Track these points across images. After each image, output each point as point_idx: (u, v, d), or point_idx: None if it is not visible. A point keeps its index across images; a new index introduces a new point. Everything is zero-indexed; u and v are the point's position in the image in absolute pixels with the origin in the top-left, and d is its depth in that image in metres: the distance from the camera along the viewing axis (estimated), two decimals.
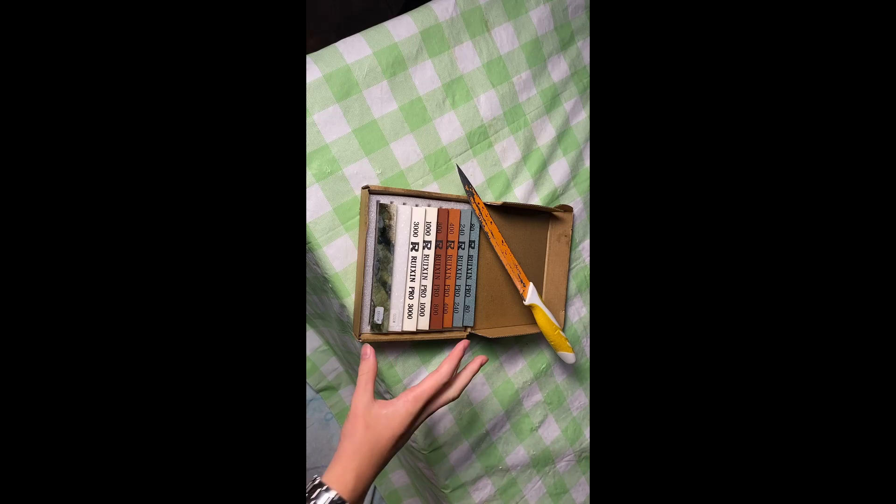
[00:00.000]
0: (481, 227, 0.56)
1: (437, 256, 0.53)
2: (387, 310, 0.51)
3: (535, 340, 0.64)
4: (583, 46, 0.64)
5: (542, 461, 0.66)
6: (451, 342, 0.57)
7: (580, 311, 0.67)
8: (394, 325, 0.52)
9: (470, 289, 0.56)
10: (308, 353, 0.83)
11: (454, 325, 0.55)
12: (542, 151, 0.62)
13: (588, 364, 0.68)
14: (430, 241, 0.53)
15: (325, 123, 0.50)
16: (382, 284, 0.51)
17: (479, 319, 0.58)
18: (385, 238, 0.50)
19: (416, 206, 0.52)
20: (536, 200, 0.62)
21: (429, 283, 0.53)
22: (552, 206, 0.63)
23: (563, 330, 0.65)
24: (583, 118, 0.65)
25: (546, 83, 0.62)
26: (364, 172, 0.52)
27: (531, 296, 0.58)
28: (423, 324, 0.53)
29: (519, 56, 0.59)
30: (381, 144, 0.53)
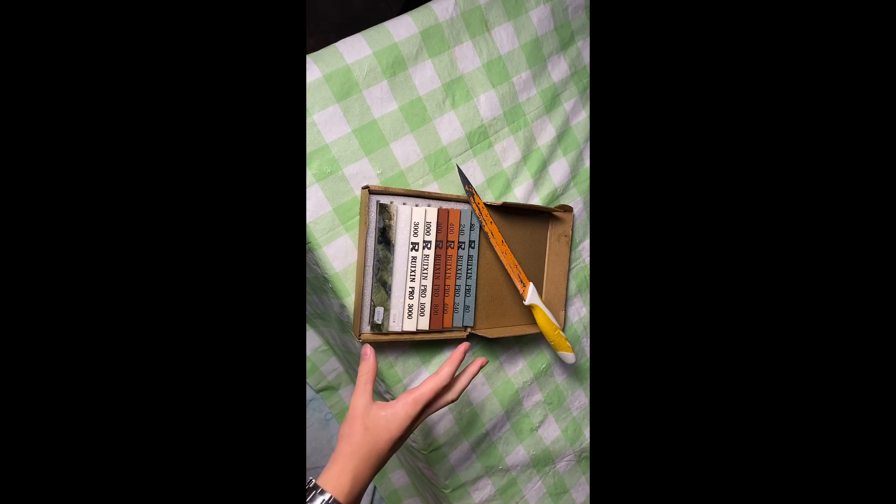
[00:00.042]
0: (481, 227, 0.56)
1: (437, 256, 0.53)
2: (387, 310, 0.51)
3: (535, 340, 0.64)
4: (583, 46, 0.64)
5: (542, 461, 0.66)
6: (451, 342, 0.57)
7: (580, 311, 0.67)
8: (394, 325, 0.52)
9: (470, 289, 0.56)
10: (308, 353, 0.83)
11: (454, 325, 0.55)
12: (542, 151, 0.62)
13: (588, 364, 0.68)
14: (430, 241, 0.53)
15: (325, 123, 0.50)
16: (382, 284, 0.51)
17: (479, 319, 0.58)
18: (385, 238, 0.50)
19: (416, 206, 0.52)
20: (536, 200, 0.62)
21: (429, 283, 0.53)
22: (552, 206, 0.63)
23: (563, 330, 0.65)
24: (583, 118, 0.65)
25: (546, 83, 0.62)
26: (364, 172, 0.52)
27: (531, 296, 0.58)
28: (423, 324, 0.53)
29: (519, 56, 0.59)
30: (381, 144, 0.53)
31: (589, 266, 0.67)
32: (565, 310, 0.65)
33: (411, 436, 0.59)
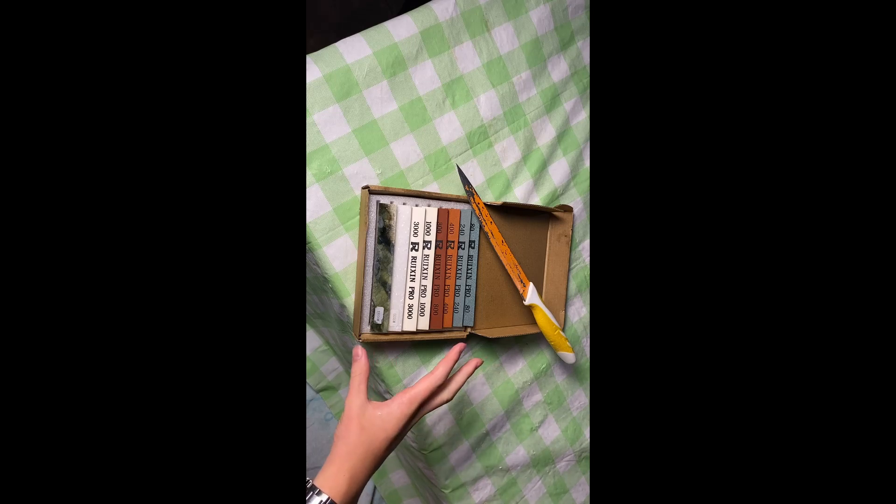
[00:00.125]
0: (481, 227, 0.56)
1: (437, 256, 0.53)
2: (387, 310, 0.51)
3: (535, 340, 0.64)
4: (583, 46, 0.64)
5: (542, 461, 0.66)
6: (451, 342, 0.57)
7: (580, 311, 0.67)
8: (394, 325, 0.52)
9: (470, 289, 0.56)
10: (308, 353, 0.83)
11: (454, 325, 0.55)
12: (542, 151, 0.62)
13: (588, 364, 0.68)
14: (430, 241, 0.53)
15: (325, 123, 0.50)
16: (382, 284, 0.51)
17: (479, 319, 0.58)
18: (385, 238, 0.50)
19: (416, 206, 0.52)
20: (536, 200, 0.62)
21: (429, 283, 0.53)
22: (552, 206, 0.63)
23: (563, 330, 0.65)
24: (583, 118, 0.65)
25: (546, 83, 0.62)
26: (364, 172, 0.52)
27: (531, 296, 0.58)
28: (423, 324, 0.53)
29: (519, 56, 0.59)
30: (381, 144, 0.53)
31: (589, 266, 0.67)
32: (565, 310, 0.65)
33: (411, 436, 0.59)
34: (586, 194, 0.66)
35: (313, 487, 0.38)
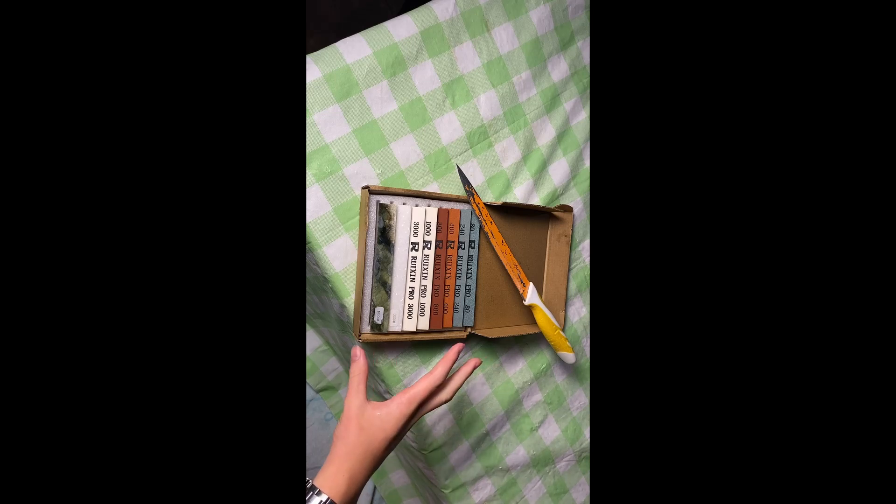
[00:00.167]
0: (481, 227, 0.56)
1: (437, 256, 0.53)
2: (387, 310, 0.51)
3: (535, 340, 0.64)
4: (583, 46, 0.64)
5: (542, 461, 0.66)
6: (451, 342, 0.57)
7: (580, 311, 0.67)
8: (394, 325, 0.52)
9: (470, 289, 0.56)
10: (308, 353, 0.83)
11: (454, 325, 0.55)
12: (542, 151, 0.62)
13: (588, 364, 0.68)
14: (430, 241, 0.53)
15: (325, 123, 0.50)
16: (382, 284, 0.51)
17: (479, 319, 0.58)
18: (385, 238, 0.50)
19: (416, 206, 0.52)
20: (536, 200, 0.62)
21: (429, 283, 0.53)
22: (552, 206, 0.63)
23: (563, 330, 0.65)
24: (583, 118, 0.65)
25: (546, 83, 0.62)
26: (364, 172, 0.52)
27: (531, 296, 0.58)
28: (423, 324, 0.53)
29: (519, 56, 0.59)
30: (381, 144, 0.53)
31: (589, 266, 0.67)
32: (565, 310, 0.65)
33: (411, 436, 0.59)
34: (586, 194, 0.66)
35: (313, 488, 0.38)
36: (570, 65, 0.63)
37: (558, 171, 0.63)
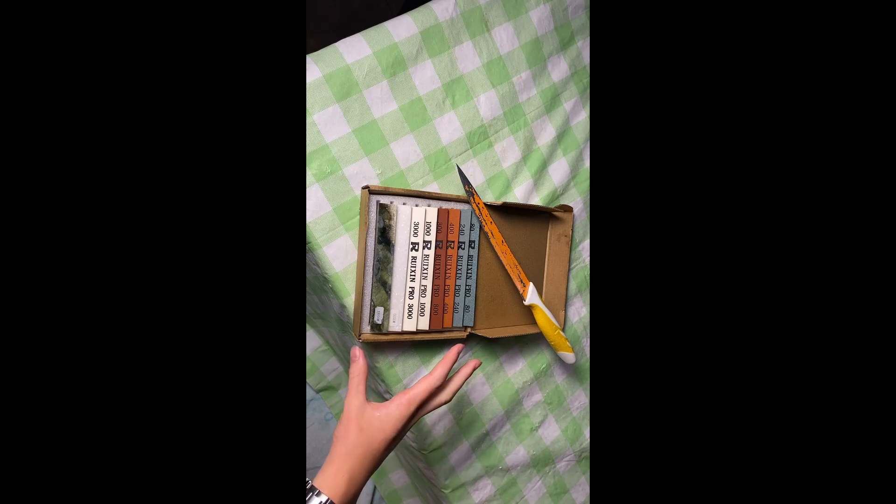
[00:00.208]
0: (481, 227, 0.56)
1: (437, 256, 0.53)
2: (387, 310, 0.51)
3: (535, 340, 0.64)
4: (583, 46, 0.64)
5: (542, 461, 0.66)
6: (451, 342, 0.57)
7: (580, 311, 0.67)
8: (394, 325, 0.52)
9: (470, 289, 0.56)
10: (308, 353, 0.83)
11: (454, 325, 0.55)
12: (542, 151, 0.62)
13: (588, 364, 0.68)
14: (430, 241, 0.53)
15: (325, 123, 0.50)
16: (382, 284, 0.51)
17: (479, 319, 0.58)
18: (385, 238, 0.50)
19: (416, 206, 0.52)
20: (536, 200, 0.62)
21: (429, 283, 0.53)
22: (552, 206, 0.63)
23: (563, 330, 0.65)
24: (583, 118, 0.65)
25: (546, 83, 0.62)
26: (364, 172, 0.52)
27: (531, 296, 0.58)
28: (423, 324, 0.53)
29: (519, 56, 0.59)
30: (381, 144, 0.53)
31: (589, 266, 0.67)
32: (565, 310, 0.65)
33: (411, 436, 0.59)
34: (586, 194, 0.66)
35: (312, 488, 0.38)
36: (570, 65, 0.63)
37: (558, 171, 0.63)
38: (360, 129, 0.51)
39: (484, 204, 0.55)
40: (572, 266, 0.66)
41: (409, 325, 0.53)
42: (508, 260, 0.57)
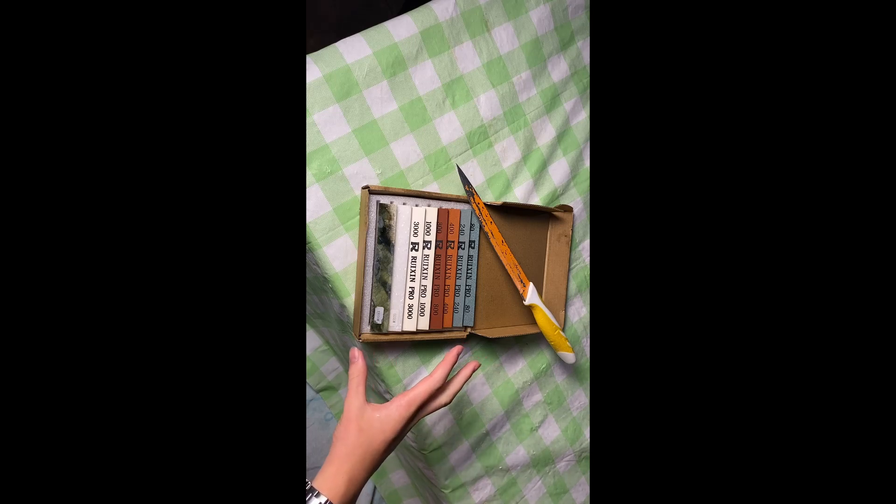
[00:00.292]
0: (481, 227, 0.56)
1: (437, 256, 0.53)
2: (387, 310, 0.51)
3: (535, 340, 0.64)
4: (583, 46, 0.64)
5: (542, 461, 0.66)
6: (452, 342, 0.57)
7: (580, 311, 0.67)
8: (394, 325, 0.52)
9: (470, 289, 0.56)
10: (308, 353, 0.83)
11: (454, 325, 0.55)
12: (542, 151, 0.62)
13: (588, 364, 0.68)
14: (430, 241, 0.53)
15: (325, 123, 0.50)
16: (382, 284, 0.51)
17: (479, 319, 0.58)
18: (385, 238, 0.50)
19: (416, 206, 0.52)
20: (536, 200, 0.62)
21: (429, 283, 0.53)
22: (552, 206, 0.63)
23: (563, 330, 0.65)
24: (583, 118, 0.65)
25: (546, 83, 0.62)
26: (364, 172, 0.52)
27: (531, 296, 0.58)
28: (423, 324, 0.53)
29: (519, 56, 0.59)
30: (381, 144, 0.53)
31: (589, 266, 0.67)
32: (565, 310, 0.65)
33: (411, 436, 0.59)
34: (586, 194, 0.66)
35: (312, 489, 0.38)
36: (570, 65, 0.63)
37: (558, 171, 0.63)
38: (360, 129, 0.51)
39: (484, 204, 0.55)
40: (572, 266, 0.66)
41: (409, 325, 0.53)
42: (508, 260, 0.57)
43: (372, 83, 0.52)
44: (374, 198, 0.50)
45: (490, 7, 0.57)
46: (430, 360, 0.57)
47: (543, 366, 0.64)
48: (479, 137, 0.58)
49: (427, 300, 0.53)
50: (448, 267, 0.54)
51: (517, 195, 0.60)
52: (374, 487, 0.85)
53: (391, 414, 0.42)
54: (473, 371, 0.48)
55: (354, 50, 0.51)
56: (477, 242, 0.56)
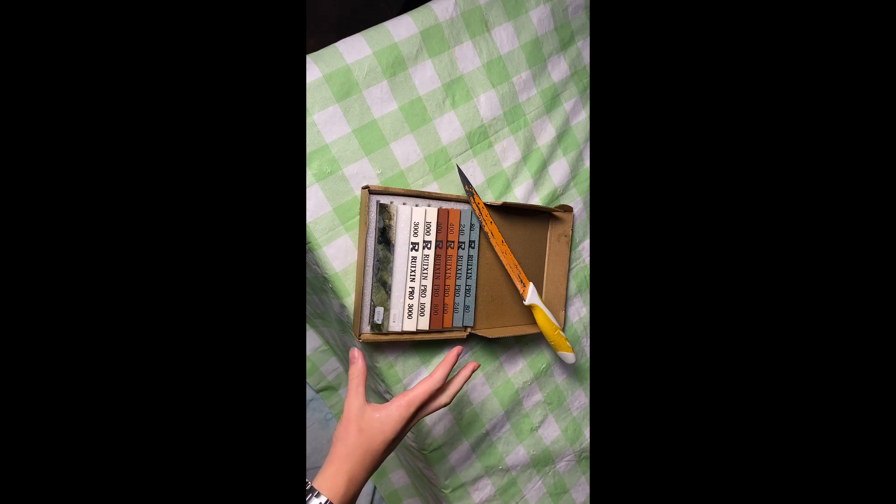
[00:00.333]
0: (481, 227, 0.56)
1: (437, 256, 0.53)
2: (387, 310, 0.51)
3: (535, 340, 0.64)
4: (583, 46, 0.64)
5: (542, 461, 0.66)
6: (452, 342, 0.57)
7: (580, 311, 0.67)
8: (394, 325, 0.52)
9: (470, 289, 0.56)
10: (308, 353, 0.83)
11: (454, 325, 0.55)
12: (542, 151, 0.62)
13: (588, 364, 0.68)
14: (430, 241, 0.53)
15: (325, 123, 0.50)
16: (382, 284, 0.51)
17: (479, 319, 0.58)
18: (385, 238, 0.50)
19: (416, 206, 0.52)
20: (536, 200, 0.62)
21: (429, 283, 0.53)
22: (552, 206, 0.63)
23: (563, 330, 0.65)
24: (583, 118, 0.65)
25: (546, 83, 0.62)
26: (364, 172, 0.52)
27: (531, 296, 0.58)
28: (423, 324, 0.53)
29: (519, 56, 0.59)
30: (381, 144, 0.53)
31: (589, 266, 0.67)
32: (565, 310, 0.65)
33: (411, 436, 0.59)
34: (586, 194, 0.66)
35: (312, 489, 0.38)
36: (570, 65, 0.63)
37: (558, 171, 0.63)
38: (360, 129, 0.51)
39: (484, 204, 0.55)
40: (572, 266, 0.66)
41: (409, 325, 0.53)
42: (508, 260, 0.57)
43: (372, 83, 0.52)
44: (374, 198, 0.50)
45: (490, 7, 0.57)
46: (430, 361, 0.57)
47: (543, 366, 0.64)
48: (479, 137, 0.58)
49: (427, 300, 0.53)
50: (448, 267, 0.54)
51: (517, 195, 0.60)
52: (374, 487, 0.85)
53: (391, 414, 0.42)
54: (473, 371, 0.48)
55: (354, 50, 0.51)
56: (477, 242, 0.56)
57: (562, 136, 0.63)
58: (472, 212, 0.55)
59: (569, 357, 0.60)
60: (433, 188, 0.56)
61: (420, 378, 0.57)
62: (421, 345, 0.56)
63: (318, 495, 0.38)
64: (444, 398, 0.46)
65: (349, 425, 0.42)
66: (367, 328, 0.51)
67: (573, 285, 0.66)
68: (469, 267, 0.56)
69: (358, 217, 0.52)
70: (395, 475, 0.84)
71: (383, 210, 0.50)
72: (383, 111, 0.52)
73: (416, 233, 0.52)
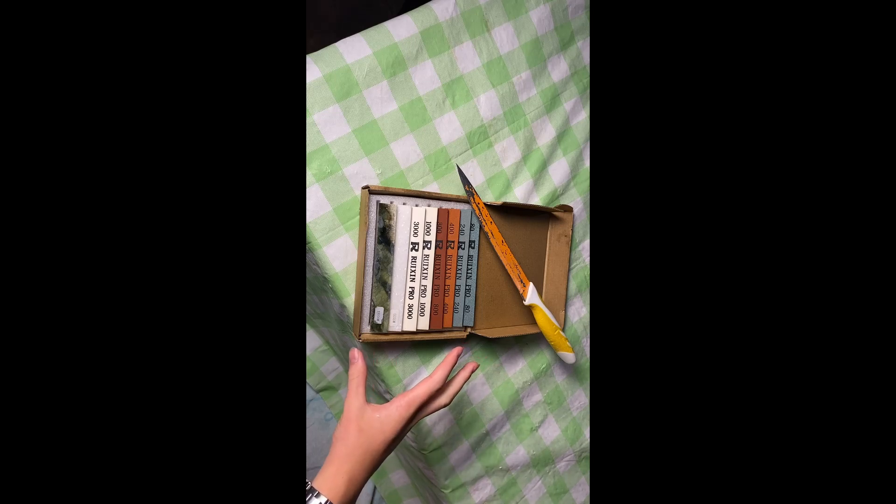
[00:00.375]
0: (481, 227, 0.56)
1: (437, 256, 0.53)
2: (387, 310, 0.51)
3: (535, 340, 0.64)
4: (583, 46, 0.64)
5: (542, 461, 0.66)
6: (452, 342, 0.57)
7: (580, 311, 0.67)
8: (394, 325, 0.52)
9: (470, 289, 0.56)
10: (308, 353, 0.83)
11: (454, 325, 0.55)
12: (542, 151, 0.62)
13: (588, 364, 0.68)
14: (430, 241, 0.53)
15: (325, 123, 0.50)
16: (382, 284, 0.51)
17: (479, 319, 0.58)
18: (385, 238, 0.50)
19: (416, 206, 0.52)
20: (536, 200, 0.62)
21: (429, 283, 0.53)
22: (552, 206, 0.63)
23: (563, 330, 0.65)
24: (583, 118, 0.65)
25: (546, 83, 0.62)
26: (364, 172, 0.52)
27: (531, 296, 0.58)
28: (423, 324, 0.53)
29: (519, 56, 0.59)
30: (381, 144, 0.53)
31: (589, 266, 0.67)
32: (565, 310, 0.65)
33: (411, 436, 0.59)
34: (586, 194, 0.66)
35: (312, 489, 0.38)
36: (570, 65, 0.63)
37: (558, 171, 0.63)
38: (360, 129, 0.51)
39: (484, 204, 0.55)
40: (572, 266, 0.66)
41: (409, 325, 0.53)
42: (508, 260, 0.57)
43: (372, 83, 0.52)
44: (374, 198, 0.50)
45: (490, 7, 0.57)
46: (430, 361, 0.57)
47: (543, 366, 0.64)
48: (479, 137, 0.58)
49: (427, 300, 0.53)
50: (448, 267, 0.54)
51: (517, 195, 0.60)
52: (374, 487, 0.85)
53: (391, 414, 0.42)
54: (472, 372, 0.48)
55: (354, 50, 0.51)
56: (477, 242, 0.56)
57: (562, 136, 0.63)
58: (472, 212, 0.55)
59: (569, 357, 0.60)
60: (433, 188, 0.56)
61: (420, 378, 0.57)
62: (421, 345, 0.56)
63: (317, 495, 0.38)
64: (443, 398, 0.46)
65: (349, 425, 0.42)
66: (367, 328, 0.51)
67: (573, 285, 0.66)
68: (469, 267, 0.56)
69: (358, 217, 0.52)
70: (395, 475, 0.84)
71: (383, 210, 0.50)
72: (383, 111, 0.52)
73: (416, 233, 0.52)
